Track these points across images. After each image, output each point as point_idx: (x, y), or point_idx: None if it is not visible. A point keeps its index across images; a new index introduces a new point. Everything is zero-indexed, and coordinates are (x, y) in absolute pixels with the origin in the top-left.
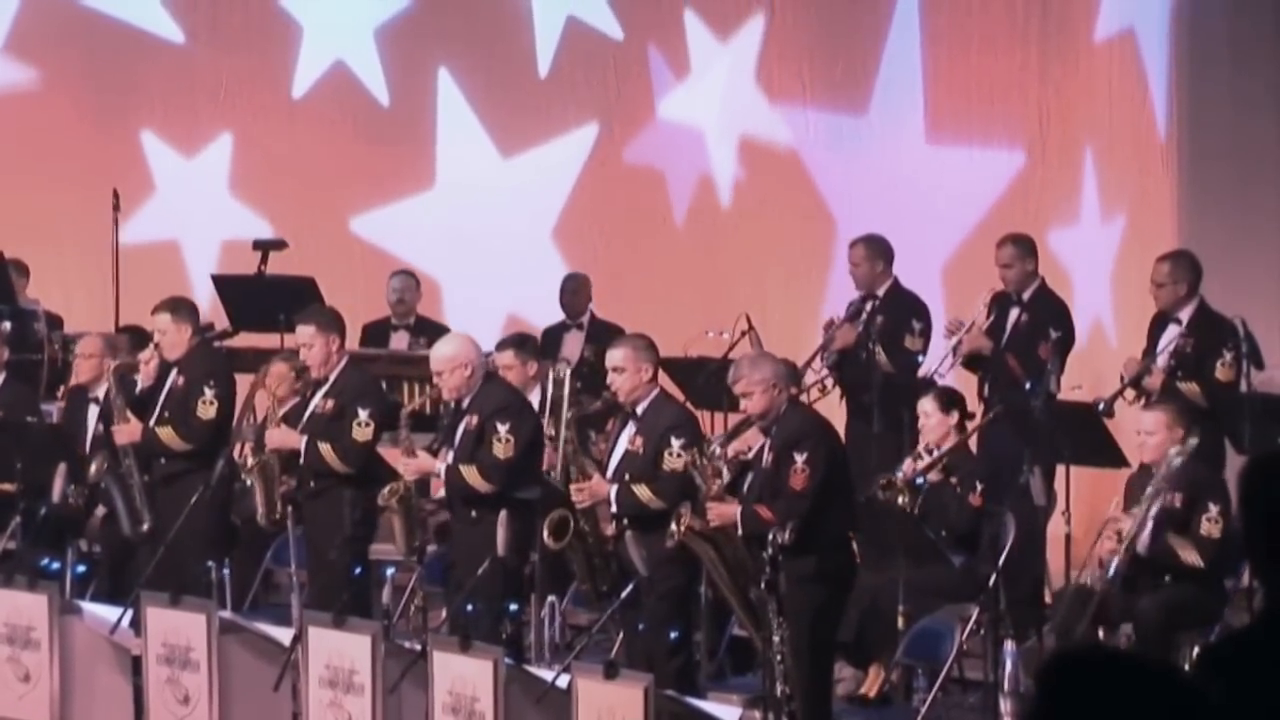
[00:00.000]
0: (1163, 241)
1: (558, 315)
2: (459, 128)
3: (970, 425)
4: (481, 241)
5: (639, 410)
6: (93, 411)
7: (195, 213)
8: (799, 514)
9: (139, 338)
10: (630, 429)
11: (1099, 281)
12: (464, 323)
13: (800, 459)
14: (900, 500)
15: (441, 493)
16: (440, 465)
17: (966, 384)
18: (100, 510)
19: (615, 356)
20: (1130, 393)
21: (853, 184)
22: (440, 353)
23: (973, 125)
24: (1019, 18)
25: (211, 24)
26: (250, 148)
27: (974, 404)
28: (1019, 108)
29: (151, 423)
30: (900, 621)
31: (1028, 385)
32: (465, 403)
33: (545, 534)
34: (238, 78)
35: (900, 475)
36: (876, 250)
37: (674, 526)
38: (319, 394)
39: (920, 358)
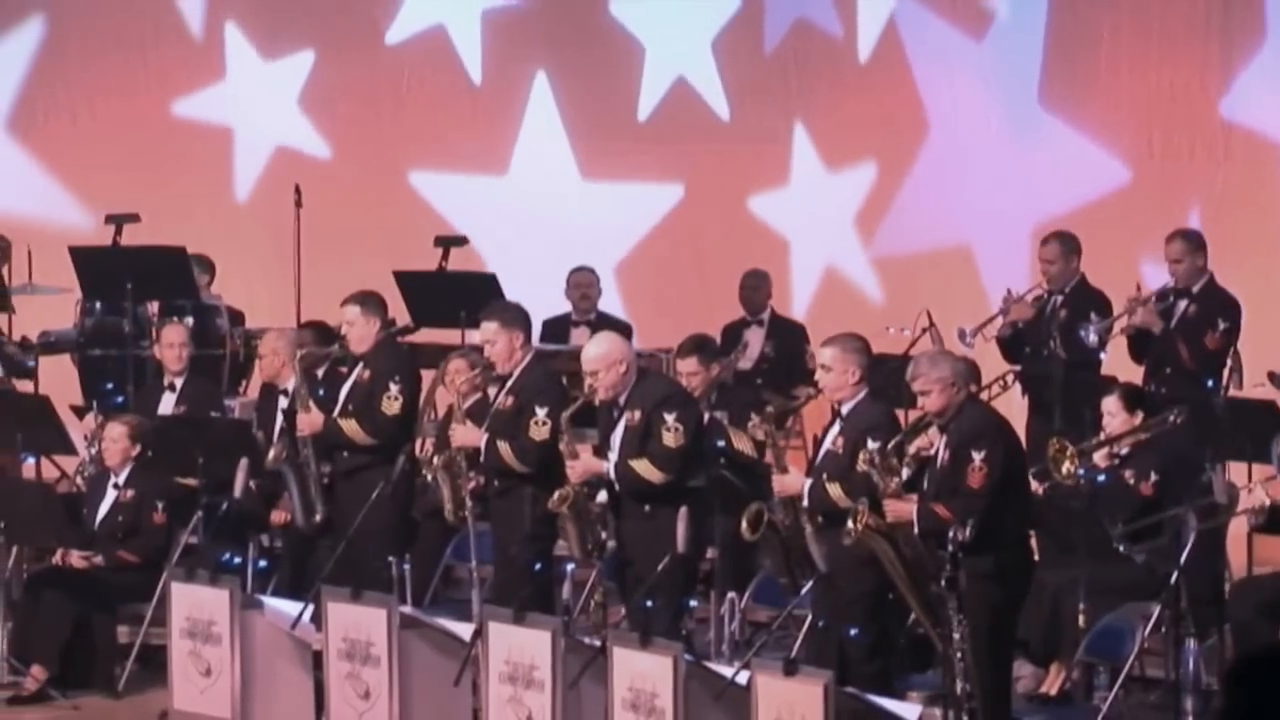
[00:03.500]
0: None
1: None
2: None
3: (1153, 422)
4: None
5: (844, 410)
6: (283, 405)
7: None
8: (976, 512)
9: (325, 332)
10: (835, 428)
11: None
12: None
13: (978, 457)
14: (1066, 469)
15: (604, 496)
16: (607, 465)
17: (1127, 372)
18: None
19: (825, 355)
20: None
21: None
22: (593, 352)
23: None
24: (1198, 33)
25: None
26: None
27: None
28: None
29: (335, 414)
30: (1081, 620)
31: (1208, 383)
32: (622, 399)
33: (743, 525)
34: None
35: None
36: (1071, 247)
37: (851, 524)
38: (501, 390)
39: (1096, 348)
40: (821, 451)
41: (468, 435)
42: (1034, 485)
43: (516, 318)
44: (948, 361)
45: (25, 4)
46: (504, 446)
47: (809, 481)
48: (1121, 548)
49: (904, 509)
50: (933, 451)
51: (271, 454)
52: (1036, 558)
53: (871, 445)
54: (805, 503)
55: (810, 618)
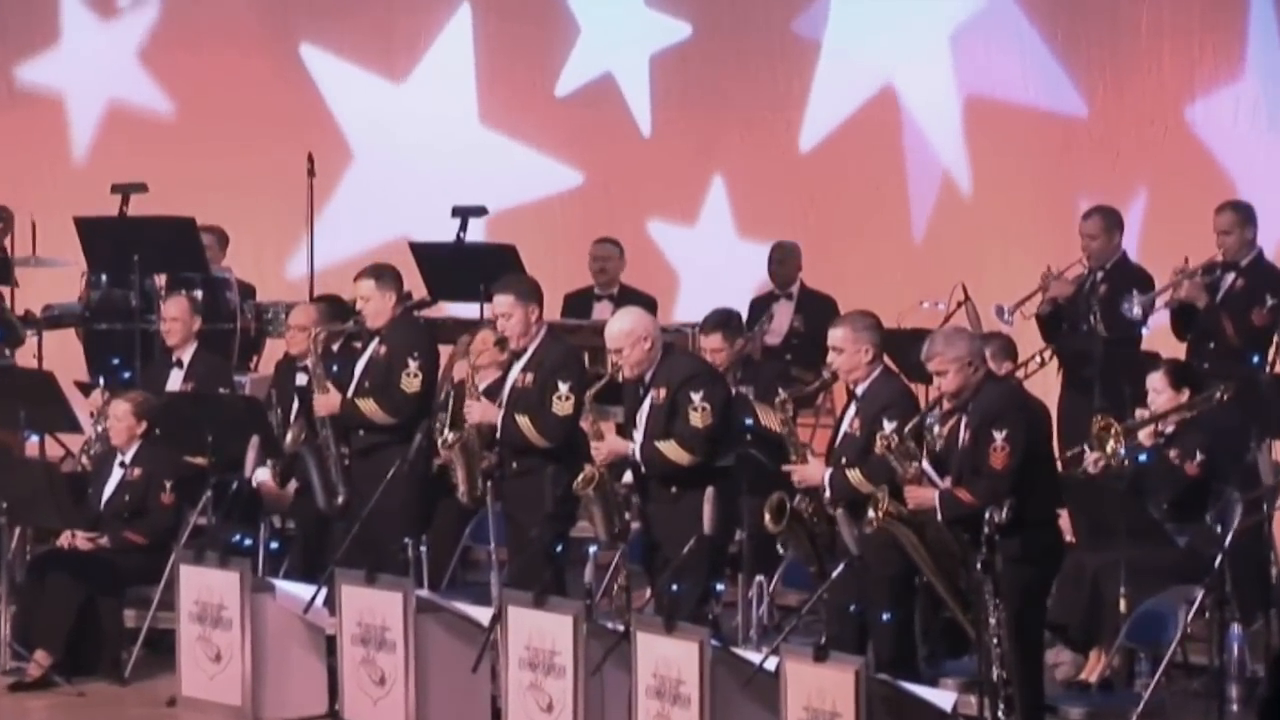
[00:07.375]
0: None
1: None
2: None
3: (1198, 400)
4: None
5: (859, 391)
6: (301, 382)
7: None
8: (1000, 494)
9: (338, 306)
10: (852, 410)
11: None
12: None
13: (1000, 437)
14: (1111, 447)
15: (629, 477)
16: (632, 446)
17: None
18: (293, 485)
19: (835, 335)
20: None
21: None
22: (618, 328)
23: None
24: None
25: None
26: None
27: None
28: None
29: (351, 393)
30: (1122, 604)
31: (1254, 359)
32: (647, 377)
33: (766, 517)
34: None
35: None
36: (1113, 222)
37: (871, 513)
38: (517, 367)
39: (1138, 323)
40: (840, 435)
41: (485, 411)
42: (1090, 466)
43: (532, 291)
44: (964, 340)
45: None
46: (524, 421)
47: (829, 471)
48: (1177, 538)
49: (925, 495)
50: (945, 432)
51: (290, 436)
52: (1072, 539)
53: (888, 426)
54: (828, 493)
55: (838, 601)
